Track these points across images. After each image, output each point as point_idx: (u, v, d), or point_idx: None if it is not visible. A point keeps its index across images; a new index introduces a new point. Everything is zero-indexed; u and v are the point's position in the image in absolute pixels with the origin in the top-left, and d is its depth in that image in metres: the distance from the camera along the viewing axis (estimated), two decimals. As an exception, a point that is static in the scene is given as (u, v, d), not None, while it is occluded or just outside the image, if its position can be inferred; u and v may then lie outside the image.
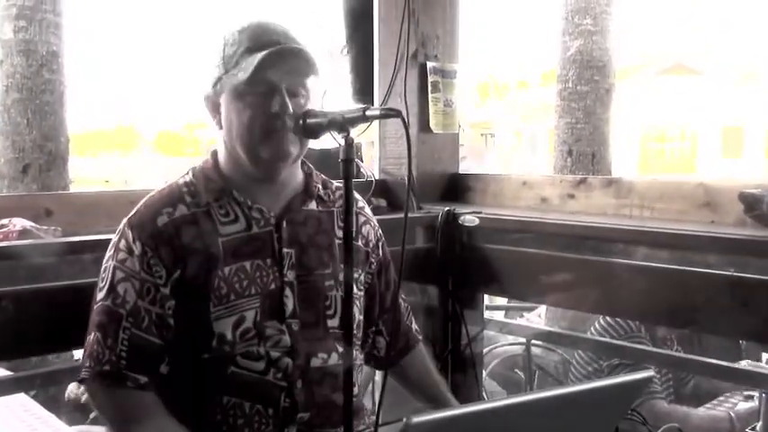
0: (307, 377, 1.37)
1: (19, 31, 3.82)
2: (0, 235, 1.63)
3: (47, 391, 2.96)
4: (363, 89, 2.53)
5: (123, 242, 1.35)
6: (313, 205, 1.46)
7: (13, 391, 2.17)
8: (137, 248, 1.33)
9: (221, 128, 1.39)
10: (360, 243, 1.52)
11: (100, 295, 1.35)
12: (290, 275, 1.39)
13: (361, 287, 1.51)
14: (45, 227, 1.71)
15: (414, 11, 2.42)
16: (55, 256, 1.62)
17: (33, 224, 1.69)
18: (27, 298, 1.58)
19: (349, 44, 2.53)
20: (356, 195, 1.56)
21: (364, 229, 1.55)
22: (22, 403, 2.31)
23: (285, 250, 1.39)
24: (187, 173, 1.44)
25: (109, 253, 1.37)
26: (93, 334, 1.34)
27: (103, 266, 1.37)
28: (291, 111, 1.33)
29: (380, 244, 1.59)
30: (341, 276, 1.41)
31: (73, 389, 3.00)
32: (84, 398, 2.79)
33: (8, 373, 2.31)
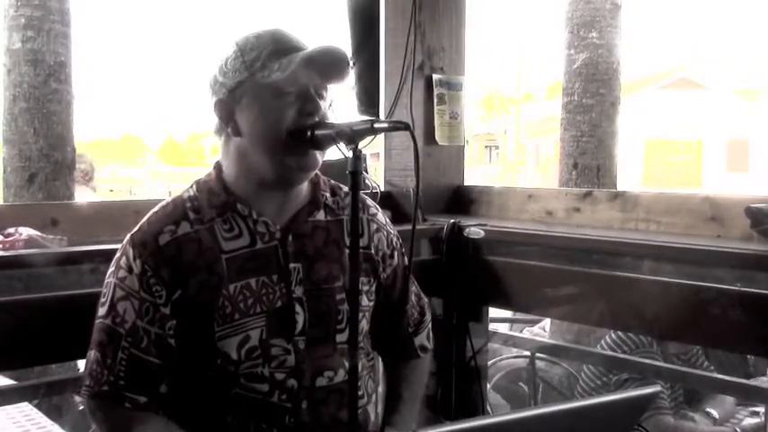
0: (312, 397, 1.35)
1: (27, 40, 3.84)
2: (7, 244, 1.63)
3: (50, 401, 2.95)
4: (369, 101, 2.54)
5: (124, 259, 1.33)
6: (321, 215, 1.42)
7: (16, 401, 2.17)
8: (136, 267, 1.31)
9: (236, 134, 1.35)
10: (371, 252, 1.48)
11: (101, 311, 1.34)
12: (298, 291, 1.35)
13: (372, 297, 1.47)
14: (51, 236, 1.71)
15: (420, 23, 2.43)
16: (60, 265, 1.62)
17: (39, 233, 1.70)
18: (32, 307, 1.58)
19: (355, 56, 2.53)
20: (369, 202, 1.54)
21: (376, 237, 1.50)
22: (25, 413, 2.31)
23: (292, 265, 1.36)
24: (191, 186, 1.41)
25: (111, 269, 1.36)
26: (93, 352, 1.33)
27: (105, 282, 1.36)
28: (323, 112, 1.31)
29: (396, 253, 1.53)
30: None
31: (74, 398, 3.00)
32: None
33: (11, 382, 2.31)
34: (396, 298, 1.54)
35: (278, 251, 1.36)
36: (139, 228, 1.35)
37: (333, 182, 1.48)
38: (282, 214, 1.38)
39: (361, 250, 1.43)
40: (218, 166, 1.40)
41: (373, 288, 1.47)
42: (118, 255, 1.35)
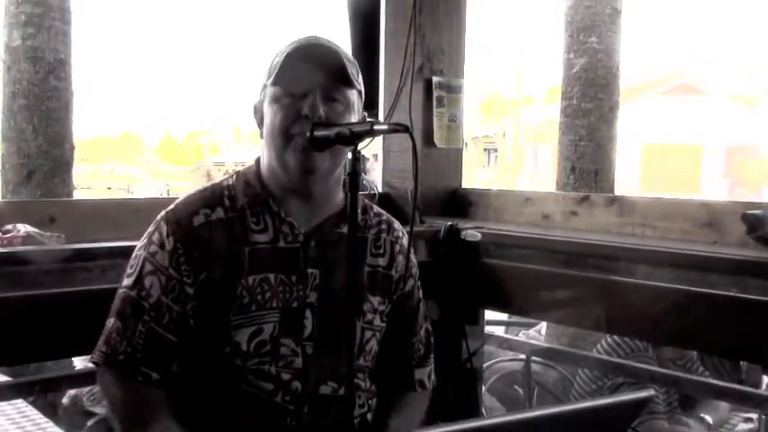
0: (314, 403, 1.36)
1: (27, 38, 3.85)
2: (5, 240, 1.63)
3: (45, 398, 2.95)
4: (368, 102, 2.53)
5: (157, 235, 1.35)
6: (347, 229, 1.44)
7: (11, 397, 2.17)
8: (169, 244, 1.33)
9: (261, 136, 1.40)
10: (391, 272, 1.49)
11: (126, 282, 1.35)
12: (312, 297, 1.37)
13: (385, 319, 1.47)
14: (49, 233, 1.71)
15: (420, 25, 2.44)
16: (58, 262, 1.62)
17: (37, 230, 1.70)
18: (29, 304, 1.58)
19: (355, 57, 2.54)
20: (396, 225, 1.55)
21: (399, 259, 1.51)
22: (20, 410, 2.31)
23: (310, 270, 1.37)
24: (231, 175, 1.45)
25: (142, 242, 1.37)
26: (113, 320, 1.34)
27: (135, 254, 1.37)
28: (324, 116, 1.31)
29: (411, 281, 1.53)
30: (366, 305, 1.41)
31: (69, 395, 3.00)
32: (86, 403, 2.79)
33: (7, 378, 2.31)
34: (403, 324, 1.54)
35: (299, 253, 1.38)
36: (175, 206, 1.38)
37: (367, 201, 1.52)
38: (310, 221, 1.41)
39: (380, 269, 1.47)
40: (258, 161, 1.44)
41: (387, 309, 1.48)
42: (151, 229, 1.37)
